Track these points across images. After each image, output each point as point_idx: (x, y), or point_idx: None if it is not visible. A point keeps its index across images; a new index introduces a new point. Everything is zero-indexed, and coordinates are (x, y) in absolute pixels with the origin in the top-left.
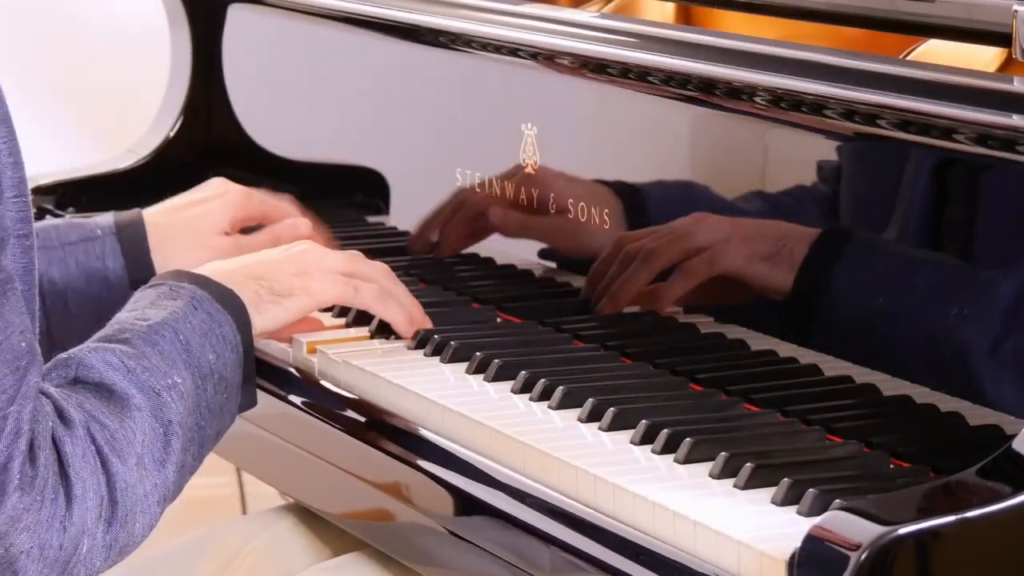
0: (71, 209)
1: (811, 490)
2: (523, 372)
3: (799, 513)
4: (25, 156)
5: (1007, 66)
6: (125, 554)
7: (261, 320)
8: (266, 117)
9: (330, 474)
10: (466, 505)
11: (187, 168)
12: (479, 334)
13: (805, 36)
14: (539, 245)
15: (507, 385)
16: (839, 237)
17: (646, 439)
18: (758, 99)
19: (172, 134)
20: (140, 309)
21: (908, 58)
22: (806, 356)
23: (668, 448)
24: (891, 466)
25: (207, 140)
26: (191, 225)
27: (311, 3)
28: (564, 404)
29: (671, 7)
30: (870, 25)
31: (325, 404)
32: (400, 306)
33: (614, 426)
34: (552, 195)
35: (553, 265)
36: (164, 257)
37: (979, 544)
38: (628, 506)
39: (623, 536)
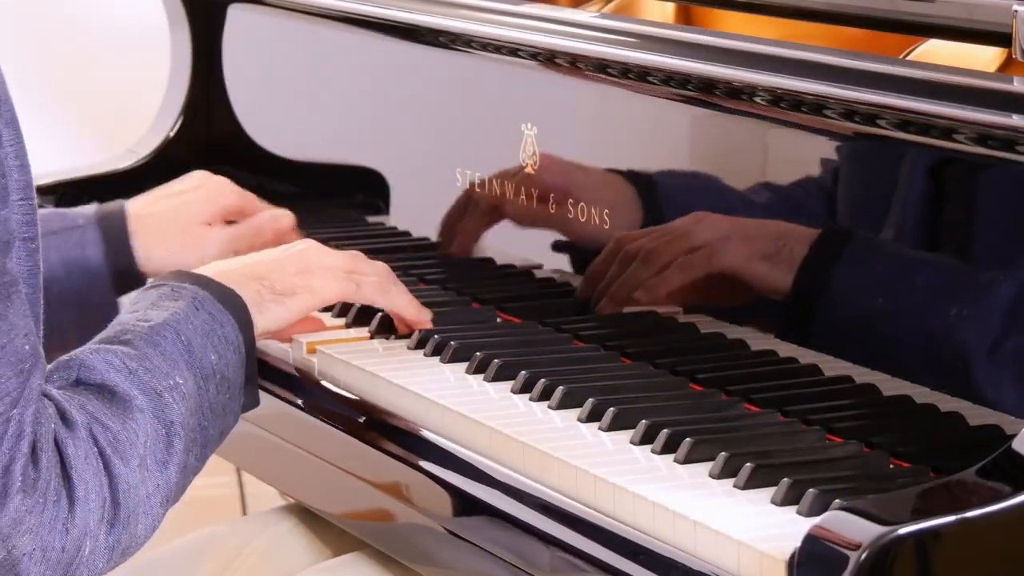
0: None
1: (811, 490)
2: (523, 372)
3: (799, 513)
4: None
5: (1007, 66)
6: (128, 555)
7: (263, 320)
8: (266, 117)
9: (330, 474)
10: (466, 505)
11: (187, 168)
12: (479, 334)
13: (805, 36)
14: (539, 245)
15: (507, 385)
16: (839, 237)
17: (646, 439)
18: (758, 99)
19: (172, 134)
20: (141, 310)
21: (908, 58)
22: (806, 356)
23: (668, 448)
24: (891, 466)
25: (207, 140)
26: (172, 215)
27: (311, 3)
28: (564, 404)
29: (671, 7)
30: (870, 25)
31: (325, 404)
32: (405, 294)
33: (614, 426)
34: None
35: (553, 265)
36: (145, 247)
37: (979, 544)
38: (628, 506)
39: (623, 536)
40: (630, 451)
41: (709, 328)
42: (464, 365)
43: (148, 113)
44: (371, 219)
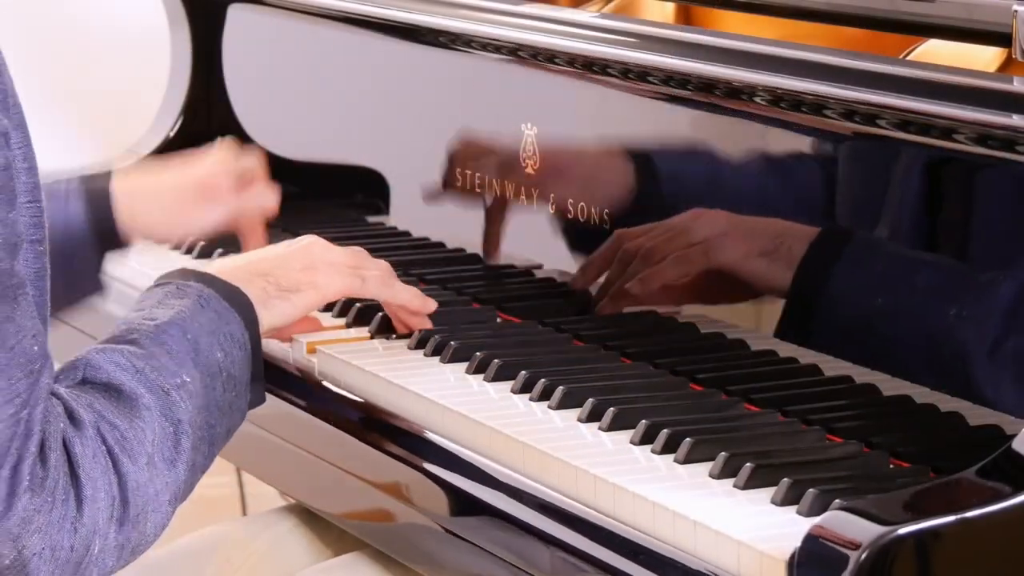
0: None
1: (811, 490)
2: (523, 372)
3: (799, 513)
4: None
5: (1007, 66)
6: (137, 554)
7: (269, 316)
8: (266, 117)
9: (330, 474)
10: (466, 505)
11: None
12: (479, 334)
13: (805, 36)
14: (539, 245)
15: (507, 385)
16: (839, 237)
17: (646, 439)
18: (758, 99)
19: (172, 134)
20: (147, 308)
21: (908, 58)
22: (806, 356)
23: (668, 448)
24: (891, 466)
25: (207, 140)
26: (157, 178)
27: (311, 3)
28: (564, 404)
29: (671, 7)
30: (870, 25)
31: (325, 404)
32: (408, 287)
33: (614, 426)
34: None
35: (553, 265)
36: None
37: (979, 544)
38: (628, 506)
39: (623, 536)
40: (630, 451)
41: (709, 328)
42: (464, 365)
43: (148, 113)
44: (371, 219)
